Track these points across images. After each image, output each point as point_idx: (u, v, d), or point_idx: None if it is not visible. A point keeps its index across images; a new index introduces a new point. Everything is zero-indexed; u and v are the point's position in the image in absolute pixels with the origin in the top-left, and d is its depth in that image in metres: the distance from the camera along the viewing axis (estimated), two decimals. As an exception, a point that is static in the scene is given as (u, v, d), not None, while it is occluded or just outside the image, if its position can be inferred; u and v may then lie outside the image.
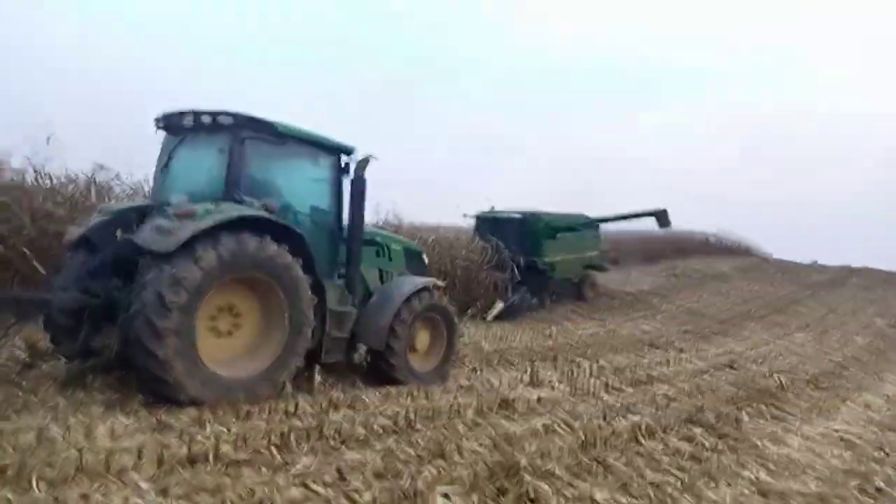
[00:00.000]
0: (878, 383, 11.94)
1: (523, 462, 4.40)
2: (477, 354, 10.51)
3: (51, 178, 10.42)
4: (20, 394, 5.48)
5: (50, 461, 3.89)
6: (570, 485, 4.38)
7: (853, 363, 13.73)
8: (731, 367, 11.56)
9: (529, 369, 9.00)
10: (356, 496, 3.78)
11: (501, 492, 4.07)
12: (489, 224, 19.21)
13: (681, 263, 32.67)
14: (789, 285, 28.42)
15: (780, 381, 10.15)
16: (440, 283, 8.18)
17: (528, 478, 4.20)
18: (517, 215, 19.18)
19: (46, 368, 6.35)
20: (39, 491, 3.50)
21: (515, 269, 17.48)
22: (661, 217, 19.46)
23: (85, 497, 3.45)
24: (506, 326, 14.68)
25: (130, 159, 10.72)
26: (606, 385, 8.56)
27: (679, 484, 4.71)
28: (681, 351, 13.32)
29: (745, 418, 7.43)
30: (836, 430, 7.48)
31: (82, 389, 5.75)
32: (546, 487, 4.19)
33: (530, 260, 18.18)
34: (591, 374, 9.40)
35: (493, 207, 19.87)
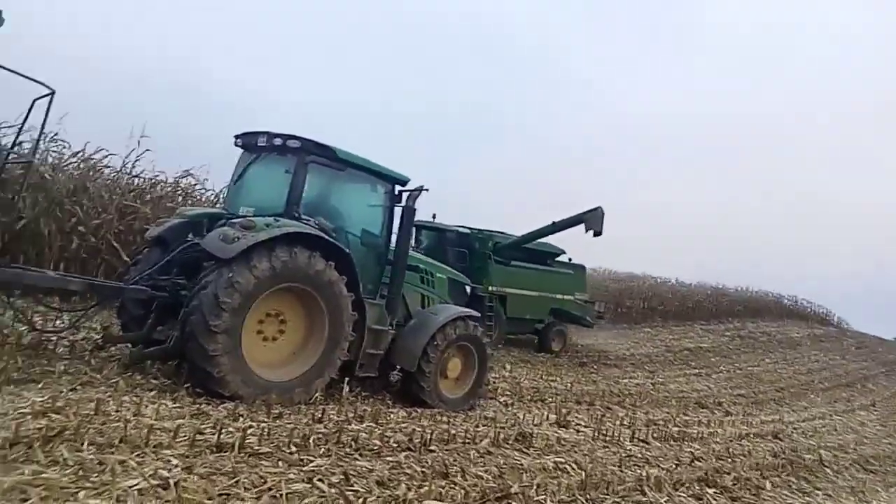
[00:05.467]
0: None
1: (515, 489, 4.65)
2: (514, 390, 10.72)
3: (141, 178, 11.54)
4: (87, 371, 6.20)
5: (101, 430, 4.47)
6: (559, 519, 4.60)
7: (917, 450, 13.01)
8: (776, 437, 11.22)
9: (560, 410, 9.15)
10: (353, 498, 4.15)
11: (489, 515, 4.35)
12: (430, 236, 16.56)
13: (749, 324, 31.60)
14: (863, 360, 26.95)
15: (821, 457, 9.85)
16: (477, 314, 8.52)
17: (516, 505, 4.46)
18: (464, 229, 16.56)
19: (114, 351, 7.10)
20: (88, 452, 4.06)
21: None
22: (592, 220, 15.68)
23: (122, 463, 3.97)
24: (550, 367, 14.78)
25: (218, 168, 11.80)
26: (633, 435, 8.59)
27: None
28: (727, 413, 13.02)
29: (768, 486, 7.34)
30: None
31: (140, 373, 6.44)
32: (533, 517, 4.44)
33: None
34: (621, 423, 9.43)
35: (434, 216, 16.79)
